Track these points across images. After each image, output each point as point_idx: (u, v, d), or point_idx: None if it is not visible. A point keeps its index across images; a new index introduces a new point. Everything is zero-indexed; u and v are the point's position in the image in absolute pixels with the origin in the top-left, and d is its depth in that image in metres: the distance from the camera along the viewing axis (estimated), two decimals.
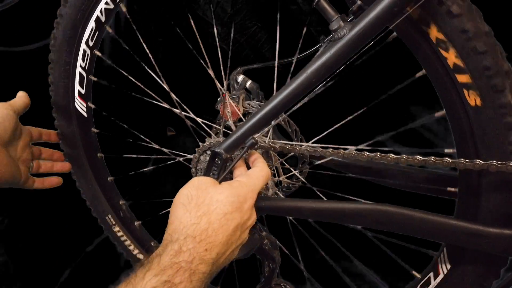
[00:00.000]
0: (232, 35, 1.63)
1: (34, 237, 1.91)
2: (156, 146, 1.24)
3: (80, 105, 1.21)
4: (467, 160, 0.78)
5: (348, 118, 0.92)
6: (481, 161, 0.77)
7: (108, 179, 1.37)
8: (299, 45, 1.01)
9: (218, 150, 0.94)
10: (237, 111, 1.04)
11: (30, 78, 1.26)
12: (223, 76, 1.04)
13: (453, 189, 0.89)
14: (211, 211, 0.80)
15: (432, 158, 0.81)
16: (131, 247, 1.42)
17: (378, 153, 0.86)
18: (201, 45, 1.06)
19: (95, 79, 1.19)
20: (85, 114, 1.23)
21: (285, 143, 0.96)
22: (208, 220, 0.78)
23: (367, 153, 0.87)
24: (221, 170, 0.95)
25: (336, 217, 0.90)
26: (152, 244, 1.42)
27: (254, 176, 0.89)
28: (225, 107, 1.04)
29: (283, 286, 1.06)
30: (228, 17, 1.78)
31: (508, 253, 0.80)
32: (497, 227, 0.79)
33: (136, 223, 1.41)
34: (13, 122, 1.10)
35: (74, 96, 1.19)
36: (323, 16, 0.82)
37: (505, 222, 0.81)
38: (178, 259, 0.74)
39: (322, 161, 1.06)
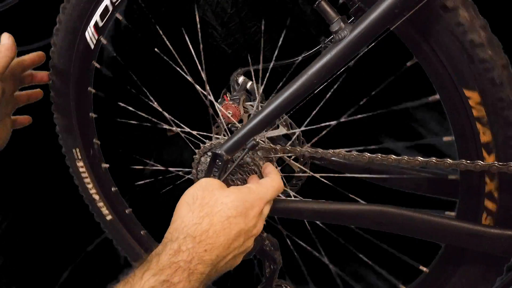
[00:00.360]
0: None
1: (34, 237, 1.91)
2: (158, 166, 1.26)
3: (91, 36, 1.13)
4: (468, 161, 0.79)
5: (350, 119, 0.92)
6: (482, 162, 0.78)
7: (102, 165, 1.36)
8: (299, 46, 1.01)
9: (219, 152, 0.94)
10: (238, 112, 1.05)
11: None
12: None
13: (454, 177, 0.89)
14: (214, 212, 0.79)
15: (433, 159, 0.81)
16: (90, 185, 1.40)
17: (379, 154, 0.86)
18: (202, 47, 1.05)
19: (121, 17, 1.12)
20: (92, 46, 1.14)
21: (290, 147, 0.96)
22: (210, 221, 0.78)
23: (368, 154, 0.87)
24: (222, 171, 0.95)
25: (337, 218, 0.90)
26: (112, 189, 1.41)
27: (264, 185, 0.89)
28: (229, 109, 1.05)
29: (284, 287, 1.06)
30: (228, 17, 1.78)
31: (509, 254, 0.80)
32: (498, 227, 0.79)
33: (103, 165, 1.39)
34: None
35: (89, 24, 1.11)
36: (324, 18, 0.82)
37: (506, 222, 0.81)
38: (177, 258, 0.74)
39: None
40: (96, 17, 1.09)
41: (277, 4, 1.61)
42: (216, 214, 0.79)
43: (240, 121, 1.08)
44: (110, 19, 1.11)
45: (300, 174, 1.08)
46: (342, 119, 0.93)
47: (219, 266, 0.79)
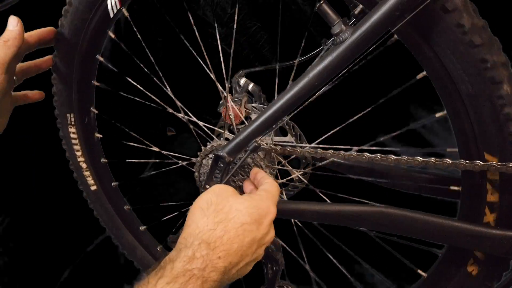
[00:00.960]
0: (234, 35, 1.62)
1: (34, 237, 1.91)
2: (156, 149, 1.24)
3: (114, 4, 1.08)
4: (467, 161, 0.79)
5: (350, 120, 0.92)
6: (481, 162, 0.78)
7: (102, 160, 1.35)
8: (301, 48, 1.00)
9: (221, 154, 0.94)
10: (240, 114, 1.05)
11: (30, 78, 1.25)
12: (225, 78, 1.04)
13: (456, 188, 0.89)
14: (229, 219, 0.79)
15: (433, 159, 0.81)
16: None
17: (379, 154, 0.86)
18: (202, 47, 1.05)
19: (127, 14, 1.10)
20: (111, 15, 1.09)
21: (287, 145, 0.96)
22: (224, 228, 0.78)
23: (368, 154, 0.87)
24: (224, 173, 0.95)
25: (339, 219, 0.90)
26: (102, 160, 1.38)
27: (270, 191, 0.88)
28: (227, 109, 1.05)
29: None
30: (228, 17, 1.78)
31: (511, 255, 0.80)
32: (500, 228, 0.80)
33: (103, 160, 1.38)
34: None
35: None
36: (325, 20, 0.82)
37: (508, 223, 0.82)
38: (191, 266, 0.73)
39: (324, 162, 1.06)
40: None
41: (277, 3, 1.61)
42: (231, 220, 0.79)
43: (242, 122, 1.08)
44: None
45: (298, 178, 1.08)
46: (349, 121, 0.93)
47: (231, 273, 0.79)
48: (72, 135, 1.31)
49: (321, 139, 0.98)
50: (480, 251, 0.85)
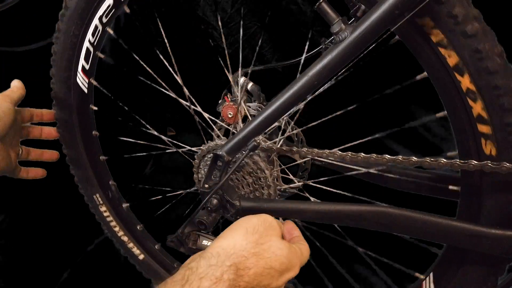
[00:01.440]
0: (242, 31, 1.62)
1: (34, 237, 1.90)
2: (154, 132, 1.24)
3: (82, 80, 1.17)
4: (462, 161, 0.79)
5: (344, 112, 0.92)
6: (476, 162, 0.78)
7: (101, 158, 1.35)
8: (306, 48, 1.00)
9: (220, 153, 0.94)
10: (240, 113, 1.05)
11: (31, 78, 1.25)
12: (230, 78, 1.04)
13: (455, 188, 0.89)
14: (263, 256, 0.79)
15: (427, 158, 0.81)
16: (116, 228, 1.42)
17: (374, 154, 0.86)
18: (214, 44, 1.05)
19: (102, 56, 1.16)
20: (85, 90, 1.19)
21: (286, 147, 0.96)
22: (256, 262, 0.77)
23: (363, 154, 0.87)
24: (223, 173, 0.95)
25: (338, 219, 0.90)
26: (138, 227, 1.42)
27: (305, 254, 0.87)
28: (230, 110, 1.05)
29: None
30: (228, 17, 1.78)
31: (510, 255, 0.80)
32: (499, 228, 0.80)
33: (124, 205, 1.40)
34: (12, 116, 1.08)
35: (77, 70, 1.16)
36: (324, 19, 0.82)
37: (508, 223, 0.81)
38: (217, 287, 0.73)
39: (353, 173, 1.06)
40: (82, 61, 1.14)
41: (277, 3, 1.61)
42: (264, 258, 0.78)
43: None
44: (95, 59, 1.16)
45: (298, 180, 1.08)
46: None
47: None
48: (105, 214, 1.40)
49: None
50: (479, 251, 0.85)
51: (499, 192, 0.81)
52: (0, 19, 1.86)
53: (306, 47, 1.00)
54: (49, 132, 1.26)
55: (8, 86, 1.14)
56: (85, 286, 1.81)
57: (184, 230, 0.99)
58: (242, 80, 1.07)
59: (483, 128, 0.76)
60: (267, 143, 0.96)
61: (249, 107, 1.03)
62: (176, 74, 1.09)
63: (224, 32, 1.82)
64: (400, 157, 0.84)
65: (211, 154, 0.97)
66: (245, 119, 1.08)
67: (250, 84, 1.06)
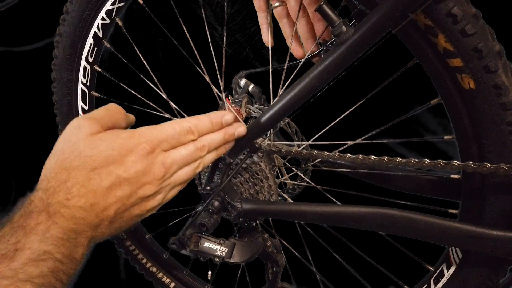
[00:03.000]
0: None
1: None
2: None
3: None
4: (460, 163, 0.79)
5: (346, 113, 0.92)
6: (458, 162, 0.78)
7: None
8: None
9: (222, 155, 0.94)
10: (239, 115, 1.04)
11: (30, 78, 1.25)
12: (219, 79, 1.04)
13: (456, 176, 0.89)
14: (74, 167, 0.71)
15: (440, 161, 0.81)
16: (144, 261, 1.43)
17: (386, 156, 0.86)
18: (194, 50, 1.05)
19: (97, 94, 1.19)
20: (86, 108, 1.21)
21: (290, 149, 0.96)
22: (68, 175, 0.71)
23: (374, 157, 0.87)
24: (224, 174, 0.95)
25: (340, 220, 0.90)
26: (164, 256, 1.42)
27: (160, 126, 0.79)
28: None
29: None
30: (228, 17, 1.78)
31: None
32: (502, 229, 0.80)
33: (147, 235, 1.41)
34: None
35: (78, 113, 1.19)
36: (325, 21, 0.81)
37: (510, 224, 0.81)
38: (28, 208, 0.68)
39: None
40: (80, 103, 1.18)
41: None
42: (78, 168, 0.71)
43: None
44: (92, 100, 1.19)
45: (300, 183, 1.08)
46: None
47: (104, 215, 0.73)
48: (131, 248, 1.40)
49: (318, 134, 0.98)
50: (482, 252, 0.85)
51: (501, 193, 0.81)
52: (0, 19, 1.86)
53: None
54: None
55: (7, 86, 1.14)
56: (85, 286, 1.81)
57: (186, 232, 0.99)
58: (243, 82, 1.06)
59: (454, 62, 0.74)
60: (265, 142, 0.96)
61: (250, 109, 1.03)
62: (161, 91, 1.10)
63: (224, 32, 1.81)
64: (412, 160, 0.84)
65: None
66: (246, 121, 1.07)
67: (251, 86, 1.06)
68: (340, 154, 0.89)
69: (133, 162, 0.74)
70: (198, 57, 1.04)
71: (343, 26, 0.78)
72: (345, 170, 1.08)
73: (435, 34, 0.73)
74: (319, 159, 0.96)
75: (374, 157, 0.86)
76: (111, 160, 0.72)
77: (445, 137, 0.84)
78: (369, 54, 0.80)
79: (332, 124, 0.95)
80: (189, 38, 1.06)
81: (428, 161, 0.82)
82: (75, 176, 0.71)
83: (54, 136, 1.29)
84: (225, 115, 0.87)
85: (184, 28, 1.06)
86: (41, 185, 0.71)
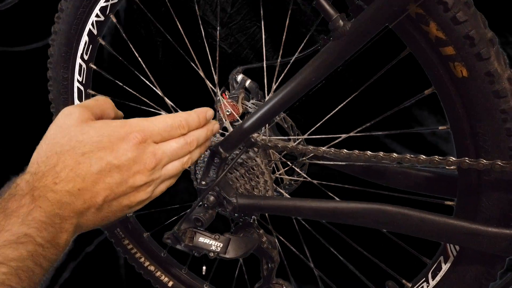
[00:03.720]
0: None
1: None
2: None
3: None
4: (455, 159, 0.79)
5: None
6: (453, 158, 0.78)
7: None
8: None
9: (217, 149, 0.94)
10: (235, 111, 1.05)
11: (30, 78, 1.25)
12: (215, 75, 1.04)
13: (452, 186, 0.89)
14: (65, 151, 0.71)
15: (436, 157, 0.81)
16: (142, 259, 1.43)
17: (381, 152, 0.86)
18: (190, 47, 1.05)
19: (93, 92, 1.19)
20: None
21: (286, 144, 0.96)
22: (58, 159, 0.70)
23: (370, 152, 0.87)
24: (220, 169, 0.95)
25: (336, 216, 0.90)
26: (162, 254, 1.42)
27: (151, 119, 0.78)
28: (223, 107, 1.04)
29: (281, 285, 1.06)
30: (228, 17, 1.78)
31: (508, 253, 0.80)
32: (497, 226, 0.79)
33: (145, 234, 1.41)
34: None
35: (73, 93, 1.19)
36: (323, 15, 0.81)
37: (505, 221, 0.81)
38: (13, 191, 0.67)
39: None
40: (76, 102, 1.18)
41: (277, 3, 1.61)
42: (67, 152, 0.70)
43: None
44: (88, 98, 1.18)
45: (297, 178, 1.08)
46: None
47: (92, 202, 0.71)
48: (129, 247, 1.41)
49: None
50: (477, 249, 0.84)
51: (496, 190, 0.81)
52: (0, 19, 1.87)
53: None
54: None
55: (7, 86, 1.14)
56: (85, 286, 1.81)
57: (181, 227, 0.98)
58: (240, 77, 1.07)
59: (446, 50, 0.74)
60: (261, 138, 0.96)
61: (246, 104, 1.03)
62: (156, 88, 1.10)
63: (224, 32, 1.82)
64: (408, 156, 0.83)
65: (208, 151, 0.97)
66: (242, 116, 1.07)
67: (248, 82, 1.06)
68: (336, 149, 0.89)
69: (125, 150, 0.72)
70: (193, 55, 1.04)
71: (340, 21, 0.78)
72: (340, 163, 1.08)
73: (426, 23, 0.73)
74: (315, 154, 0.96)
75: (370, 152, 0.86)
76: (101, 146, 0.71)
77: (440, 128, 0.84)
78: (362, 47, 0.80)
79: (327, 117, 0.95)
80: (184, 35, 1.06)
81: (424, 156, 0.82)
82: (65, 160, 0.70)
83: None
84: (208, 111, 0.86)
85: (180, 26, 1.05)
86: (31, 169, 0.70)
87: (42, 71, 1.21)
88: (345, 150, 0.88)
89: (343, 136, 0.92)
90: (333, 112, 0.93)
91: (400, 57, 0.81)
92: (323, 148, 0.91)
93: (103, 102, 0.81)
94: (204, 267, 1.18)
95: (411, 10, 0.73)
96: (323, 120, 0.95)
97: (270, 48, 1.79)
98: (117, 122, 0.75)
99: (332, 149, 0.90)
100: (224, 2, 1.76)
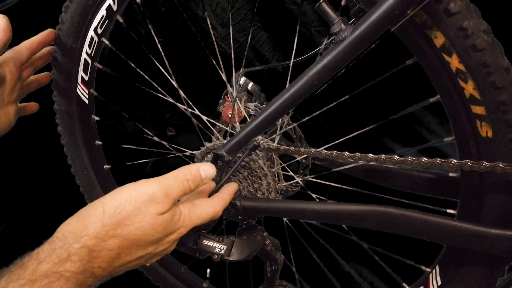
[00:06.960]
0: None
1: (34, 237, 1.90)
2: (156, 139, 1.23)
3: (82, 92, 1.19)
4: (457, 161, 0.79)
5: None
6: (455, 161, 0.79)
7: (105, 167, 1.35)
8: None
9: (221, 152, 0.94)
10: (239, 112, 1.05)
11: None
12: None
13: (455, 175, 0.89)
14: (127, 238, 0.71)
15: (438, 160, 0.81)
16: None
17: (383, 155, 0.86)
18: (204, 46, 1.05)
19: (100, 66, 1.17)
20: (86, 101, 1.20)
21: (288, 147, 0.96)
22: (119, 243, 0.71)
23: (359, 154, 0.87)
24: (223, 172, 0.95)
25: (338, 218, 0.90)
26: None
27: (198, 212, 0.81)
28: (231, 109, 1.04)
29: (285, 287, 1.06)
30: (228, 17, 1.78)
31: (511, 255, 0.80)
32: (499, 228, 0.79)
33: None
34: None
35: (77, 82, 1.17)
36: (324, 19, 0.82)
37: (508, 223, 0.81)
38: (63, 267, 0.65)
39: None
40: (81, 73, 1.15)
41: (276, 3, 1.61)
42: (126, 238, 0.70)
43: (241, 121, 1.08)
44: (93, 71, 1.17)
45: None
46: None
47: (107, 275, 0.73)
48: None
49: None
50: (480, 251, 0.84)
51: (499, 192, 0.81)
52: None
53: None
54: (47, 77, 1.18)
55: None
56: None
57: None
58: (242, 80, 1.07)
59: (477, 109, 0.75)
60: (265, 141, 0.96)
61: (249, 107, 1.03)
62: (172, 78, 1.10)
63: (224, 32, 1.82)
64: (410, 158, 0.84)
65: (211, 154, 0.97)
66: (245, 119, 1.08)
67: (251, 84, 1.06)
68: (338, 152, 0.89)
69: (168, 242, 0.78)
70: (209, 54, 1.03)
71: (342, 24, 0.78)
72: (342, 168, 1.08)
73: (465, 80, 0.74)
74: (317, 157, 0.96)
75: (372, 155, 0.86)
76: (155, 241, 0.75)
77: (445, 139, 0.84)
78: (370, 54, 0.81)
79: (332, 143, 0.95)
80: (197, 36, 1.05)
81: (426, 159, 0.82)
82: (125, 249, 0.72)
83: (53, 134, 1.30)
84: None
85: (192, 26, 1.05)
86: (89, 242, 0.69)
87: (42, 69, 1.21)
88: (347, 152, 0.89)
89: (343, 138, 0.92)
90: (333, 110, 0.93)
91: (405, 64, 0.82)
92: (325, 151, 0.91)
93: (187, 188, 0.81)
94: (208, 270, 1.18)
95: (453, 65, 0.74)
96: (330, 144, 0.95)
97: (270, 47, 1.79)
98: (176, 216, 0.78)
99: (334, 152, 0.90)
100: (224, 2, 1.76)
